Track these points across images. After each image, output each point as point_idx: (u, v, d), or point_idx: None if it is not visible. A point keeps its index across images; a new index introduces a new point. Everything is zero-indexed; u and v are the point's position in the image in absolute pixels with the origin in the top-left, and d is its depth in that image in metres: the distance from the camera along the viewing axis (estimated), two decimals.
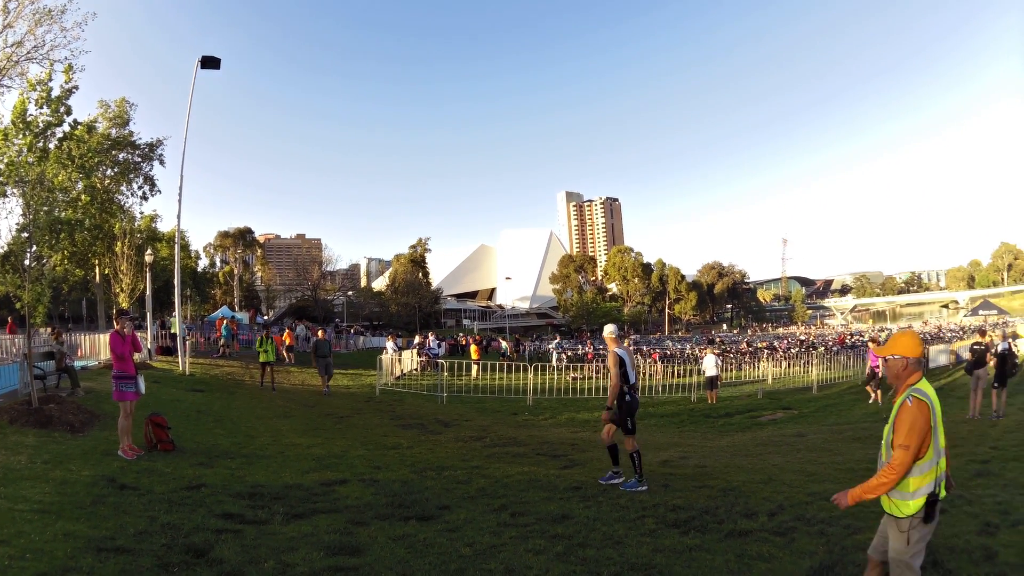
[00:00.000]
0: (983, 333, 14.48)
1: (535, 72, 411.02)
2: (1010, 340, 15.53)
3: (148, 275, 24.84)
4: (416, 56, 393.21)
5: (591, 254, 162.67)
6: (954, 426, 12.70)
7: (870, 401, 17.45)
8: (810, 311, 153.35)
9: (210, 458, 8.20)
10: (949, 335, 54.28)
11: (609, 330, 8.02)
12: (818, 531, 5.81)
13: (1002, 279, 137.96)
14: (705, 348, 41.53)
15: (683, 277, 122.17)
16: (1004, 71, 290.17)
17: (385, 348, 30.18)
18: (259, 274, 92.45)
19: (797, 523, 6.07)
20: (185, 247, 63.96)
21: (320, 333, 20.56)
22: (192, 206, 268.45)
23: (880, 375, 17.41)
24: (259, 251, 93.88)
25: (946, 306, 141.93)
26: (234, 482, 6.84)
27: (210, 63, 19.38)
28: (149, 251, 26.33)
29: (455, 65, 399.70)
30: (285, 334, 28.52)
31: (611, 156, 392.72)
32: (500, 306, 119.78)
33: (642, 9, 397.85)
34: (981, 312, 39.63)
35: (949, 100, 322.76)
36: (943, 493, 3.41)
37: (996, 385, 13.19)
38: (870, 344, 26.06)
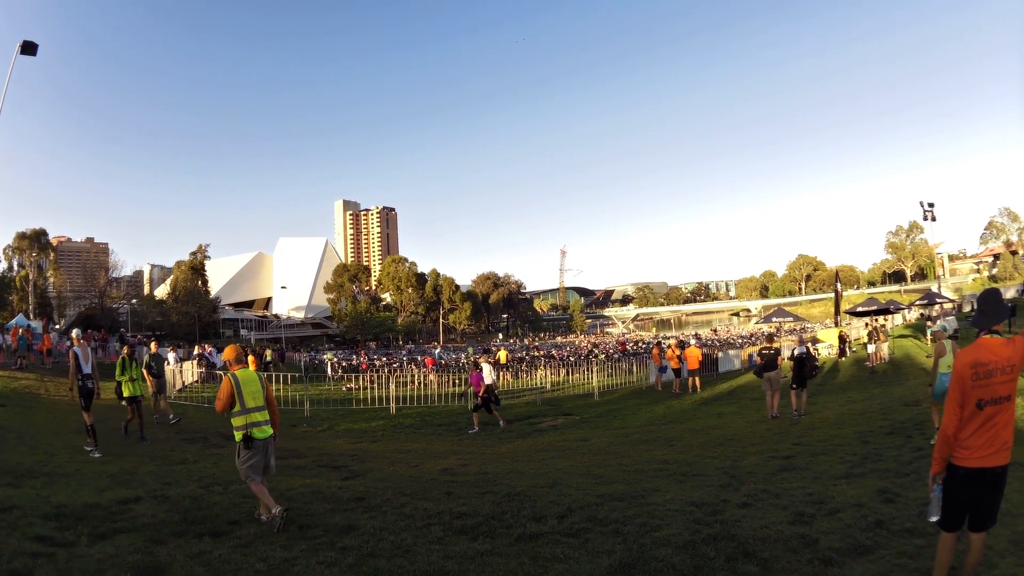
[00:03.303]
0: (771, 339, 16.37)
1: (312, 75, 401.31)
2: (808, 344, 17.83)
3: None
4: (194, 58, 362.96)
5: (366, 264, 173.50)
6: (751, 426, 14.65)
7: (472, 430, 17.68)
8: (589, 320, 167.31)
9: (17, 477, 8.63)
10: (740, 341, 61.63)
11: (73, 333, 12.42)
12: (612, 530, 6.27)
13: (799, 288, 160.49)
14: (480, 357, 43.31)
15: (457, 287, 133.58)
16: (800, 82, 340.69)
17: (167, 359, 28.48)
18: (51, 280, 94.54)
19: (589, 524, 6.55)
20: None
21: (153, 346, 18.43)
22: None
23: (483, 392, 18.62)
24: (52, 255, 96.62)
25: (736, 314, 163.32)
26: (41, 503, 7.23)
27: (29, 49, 19.13)
28: None
29: (233, 65, 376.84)
30: (44, 339, 30.26)
31: (389, 164, 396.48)
32: (276, 316, 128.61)
33: (424, 11, 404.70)
34: (775, 319, 45.54)
35: (736, 111, 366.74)
36: (258, 434, 6.86)
37: (794, 386, 15.24)
38: (654, 349, 28.39)
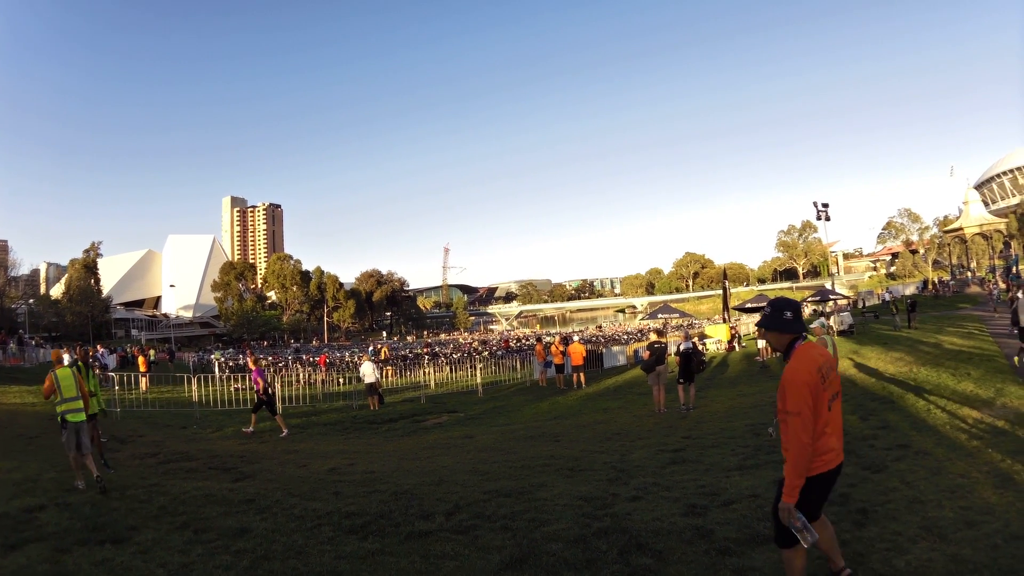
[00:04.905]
0: (661, 333, 16.82)
1: (201, 69, 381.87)
2: (695, 339, 18.34)
3: None
4: (77, 57, 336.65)
5: (252, 261, 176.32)
6: (638, 420, 14.98)
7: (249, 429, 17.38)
8: (473, 318, 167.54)
9: None
10: (626, 337, 63.31)
11: None
12: (501, 526, 6.39)
13: (687, 286, 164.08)
14: (363, 355, 43.18)
15: (341, 285, 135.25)
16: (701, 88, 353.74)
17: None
18: None
19: (477, 520, 6.67)
20: None
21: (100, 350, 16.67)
22: None
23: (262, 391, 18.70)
24: None
25: (622, 311, 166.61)
26: None
27: None
28: None
29: (123, 57, 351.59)
30: None
31: (277, 161, 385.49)
32: (165, 315, 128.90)
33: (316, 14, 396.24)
34: (661, 316, 46.92)
35: (618, 113, 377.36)
36: (72, 418, 9.04)
37: (682, 381, 15.69)
38: (538, 346, 28.72)
